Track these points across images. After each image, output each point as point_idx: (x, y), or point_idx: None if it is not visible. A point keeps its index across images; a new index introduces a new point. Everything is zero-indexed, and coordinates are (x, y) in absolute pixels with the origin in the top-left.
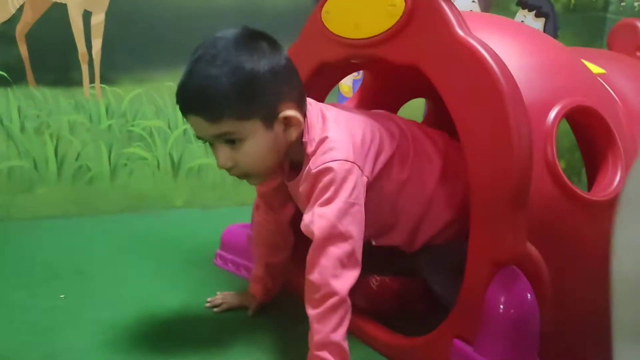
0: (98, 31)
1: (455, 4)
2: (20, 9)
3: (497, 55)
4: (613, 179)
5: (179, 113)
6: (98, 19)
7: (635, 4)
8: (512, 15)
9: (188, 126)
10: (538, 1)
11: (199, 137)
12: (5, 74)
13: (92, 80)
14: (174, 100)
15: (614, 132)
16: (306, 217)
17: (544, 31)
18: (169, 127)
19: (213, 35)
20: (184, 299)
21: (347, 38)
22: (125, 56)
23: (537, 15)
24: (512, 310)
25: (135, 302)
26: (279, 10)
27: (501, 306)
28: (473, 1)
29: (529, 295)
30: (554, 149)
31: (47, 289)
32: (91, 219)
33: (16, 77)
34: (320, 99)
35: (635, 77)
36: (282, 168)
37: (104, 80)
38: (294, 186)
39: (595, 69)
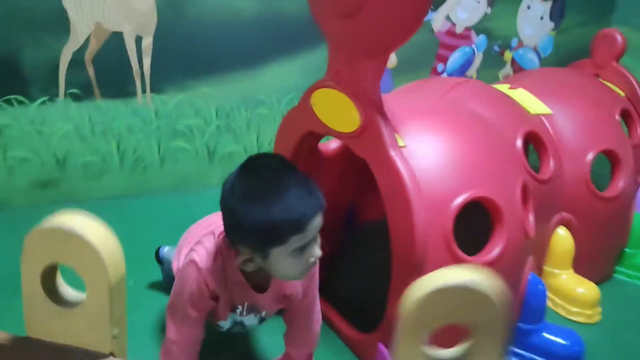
0: (147, 51)
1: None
2: (87, 39)
3: (410, 167)
4: (494, 248)
5: (213, 112)
6: (147, 42)
7: None
8: (519, 2)
9: (220, 122)
10: None
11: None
12: (78, 91)
13: (144, 91)
14: (209, 102)
15: (503, 213)
16: None
17: (550, 14)
18: (205, 124)
19: None
20: None
21: (327, 125)
22: (168, 69)
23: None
24: None
25: None
26: (299, 20)
27: None
28: (478, 1)
29: None
30: (451, 228)
31: None
32: (146, 197)
33: (86, 93)
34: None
35: (581, 114)
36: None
37: (153, 90)
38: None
39: (543, 110)
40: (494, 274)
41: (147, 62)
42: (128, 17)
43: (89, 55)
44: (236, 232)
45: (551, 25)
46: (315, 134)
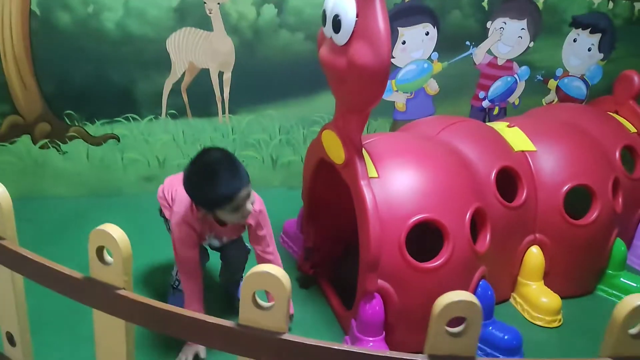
0: (227, 83)
1: (507, 30)
2: (183, 74)
3: (372, 194)
4: (439, 258)
5: (277, 129)
6: (227, 76)
7: None
8: (565, 36)
9: (282, 137)
10: (594, 19)
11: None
12: (175, 112)
13: (223, 112)
14: (273, 121)
15: (449, 232)
16: None
17: (599, 46)
18: (270, 138)
19: None
20: None
21: (329, 156)
22: (243, 96)
23: (592, 32)
24: (369, 311)
25: None
26: None
27: (366, 307)
28: (522, 28)
29: (377, 305)
30: (404, 240)
31: None
32: None
33: (181, 113)
34: (327, 168)
35: (564, 151)
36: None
37: (231, 111)
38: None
39: (527, 147)
40: (438, 277)
41: (226, 90)
42: (213, 58)
43: (184, 85)
44: (193, 197)
45: (600, 56)
46: (325, 160)
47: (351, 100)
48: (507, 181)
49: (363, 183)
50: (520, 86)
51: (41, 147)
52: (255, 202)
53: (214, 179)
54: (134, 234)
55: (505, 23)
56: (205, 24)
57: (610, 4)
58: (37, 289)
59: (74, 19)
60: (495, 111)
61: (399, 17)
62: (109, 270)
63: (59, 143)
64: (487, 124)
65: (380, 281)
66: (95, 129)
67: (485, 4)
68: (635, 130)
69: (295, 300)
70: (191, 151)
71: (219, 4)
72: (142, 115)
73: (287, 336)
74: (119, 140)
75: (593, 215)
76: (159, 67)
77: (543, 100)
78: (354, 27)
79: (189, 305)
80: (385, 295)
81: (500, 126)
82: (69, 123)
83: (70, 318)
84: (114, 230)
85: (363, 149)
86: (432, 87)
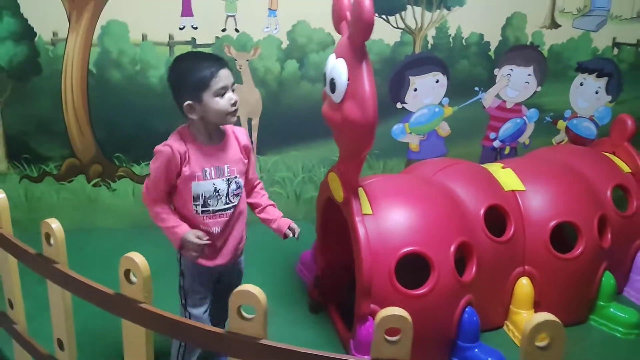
0: (255, 128)
1: (514, 76)
2: None
3: (365, 229)
4: (425, 287)
5: (300, 168)
6: (255, 122)
7: None
8: (571, 80)
9: (304, 175)
10: (599, 64)
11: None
12: None
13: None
14: (297, 161)
15: (434, 263)
16: None
17: (606, 89)
18: (294, 176)
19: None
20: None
21: (334, 194)
22: (269, 139)
23: (599, 76)
24: (363, 332)
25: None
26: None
27: (361, 329)
28: (529, 74)
29: (370, 327)
30: (393, 269)
31: None
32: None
33: None
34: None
35: (552, 191)
36: None
37: (259, 152)
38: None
39: (517, 186)
40: (425, 303)
41: (255, 135)
42: (243, 106)
43: None
44: (180, 91)
45: (608, 98)
46: (331, 198)
47: (347, 148)
48: (499, 218)
49: (357, 219)
50: (530, 127)
51: (94, 185)
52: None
53: (196, 58)
54: (168, 259)
55: (512, 70)
56: (235, 77)
57: (615, 50)
58: (83, 304)
59: (124, 76)
60: (507, 151)
61: (410, 67)
62: (133, 287)
63: (109, 182)
64: (483, 165)
65: (373, 306)
66: (141, 169)
67: (491, 53)
68: (630, 170)
69: (305, 323)
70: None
71: (247, 60)
72: None
73: (265, 341)
74: None
75: (578, 250)
76: None
77: (553, 140)
78: (346, 89)
79: (170, 226)
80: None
81: (494, 167)
82: (118, 164)
83: (106, 328)
84: (137, 257)
85: (361, 188)
86: (444, 129)
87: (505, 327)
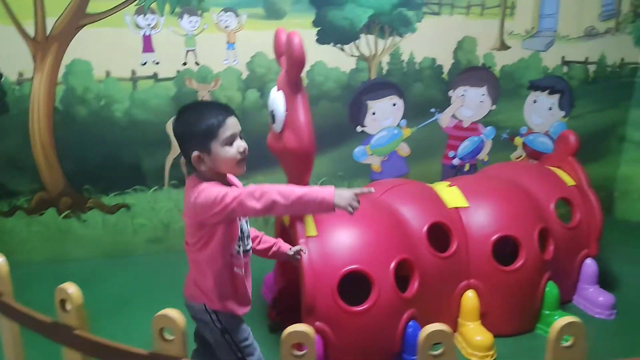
0: None
1: (468, 96)
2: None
3: (308, 251)
4: (368, 302)
5: None
6: None
7: None
8: (524, 98)
9: None
10: (550, 81)
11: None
12: (176, 182)
13: None
14: None
15: (375, 280)
16: None
17: (559, 105)
18: None
19: None
20: None
21: (283, 220)
22: None
23: (551, 93)
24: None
25: None
26: (326, 128)
27: None
28: (483, 94)
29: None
30: (336, 287)
31: None
32: None
33: (181, 182)
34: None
35: (494, 207)
36: None
37: None
38: None
39: (460, 203)
40: (367, 319)
41: None
42: None
43: (182, 160)
44: (187, 142)
45: (561, 113)
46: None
47: (291, 174)
48: (445, 234)
49: (301, 241)
50: (488, 144)
51: (64, 217)
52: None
53: (202, 107)
54: (142, 288)
55: (466, 90)
56: None
57: (565, 68)
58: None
59: (89, 111)
60: (466, 167)
61: (367, 92)
62: (67, 315)
63: (79, 213)
64: (430, 185)
65: (319, 323)
66: (109, 200)
67: (444, 75)
68: (574, 183)
69: (263, 344)
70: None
71: (209, 91)
72: (149, 186)
73: None
74: (129, 209)
75: (520, 262)
76: (161, 145)
77: (511, 156)
78: (284, 120)
79: (296, 192)
80: (324, 334)
81: (441, 186)
82: (87, 196)
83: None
84: (71, 287)
85: None
86: (404, 149)
87: (454, 339)
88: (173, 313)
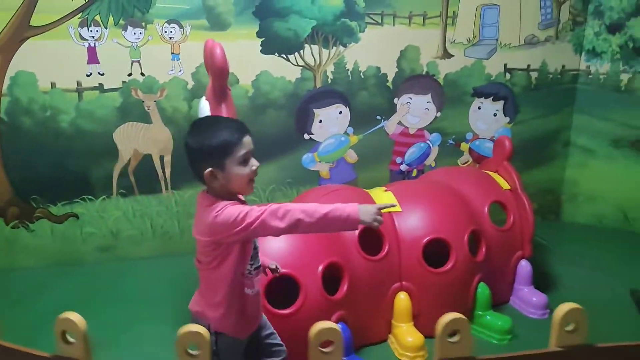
0: (168, 164)
1: (414, 104)
2: (129, 159)
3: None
4: (294, 306)
5: None
6: (167, 158)
7: (601, 76)
8: (469, 104)
9: None
10: (493, 88)
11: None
12: (124, 191)
13: (167, 188)
14: None
15: (302, 284)
16: None
17: (504, 111)
18: None
19: None
20: None
21: None
22: (182, 174)
23: (495, 100)
24: None
25: None
26: (274, 136)
27: None
28: (428, 102)
29: None
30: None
31: None
32: (171, 258)
33: (129, 192)
34: None
35: (426, 211)
36: None
37: (173, 187)
38: None
39: (393, 208)
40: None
41: (167, 171)
42: (154, 145)
43: (130, 169)
44: (200, 158)
45: (506, 119)
46: None
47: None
48: (378, 238)
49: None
50: (434, 150)
51: (12, 227)
52: None
53: (220, 122)
54: (92, 295)
55: (411, 98)
56: (145, 118)
57: (508, 75)
58: None
59: (35, 121)
60: (414, 173)
61: (313, 101)
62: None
63: (28, 223)
64: (366, 190)
65: None
66: (58, 209)
67: (389, 84)
68: (509, 187)
69: None
70: (140, 224)
71: (155, 101)
72: (97, 195)
73: None
74: (77, 218)
75: (450, 264)
76: (109, 155)
77: (458, 161)
78: None
79: (320, 210)
80: None
81: (377, 192)
82: (35, 206)
83: None
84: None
85: None
86: (352, 156)
87: (389, 340)
88: (74, 316)
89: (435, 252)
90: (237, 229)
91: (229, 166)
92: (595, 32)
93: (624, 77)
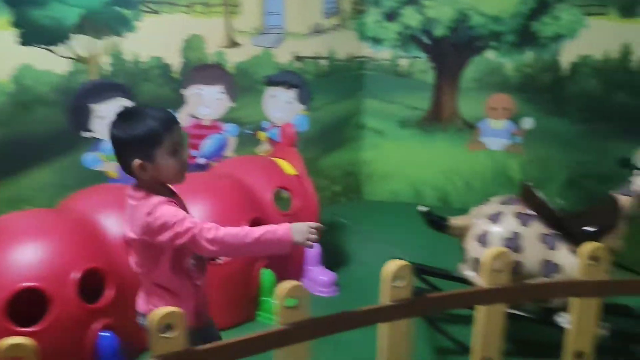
0: None
1: (205, 94)
2: None
3: None
4: (43, 323)
5: None
6: None
7: (384, 62)
8: (262, 93)
9: None
10: (284, 77)
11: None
12: None
13: None
14: None
15: (53, 298)
16: None
17: (298, 99)
18: None
19: None
20: None
21: None
22: None
23: (288, 88)
24: None
25: None
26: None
27: None
28: (220, 92)
29: None
30: (5, 308)
31: None
32: None
33: None
34: None
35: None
36: None
37: None
38: None
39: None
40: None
41: None
42: None
43: None
44: (128, 150)
45: (301, 106)
46: None
47: None
48: None
49: None
50: (232, 141)
51: None
52: None
53: (146, 112)
54: None
55: (201, 89)
56: None
57: (298, 63)
58: None
59: None
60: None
61: (90, 95)
62: None
63: None
64: None
65: None
66: None
67: (175, 74)
68: (296, 173)
69: None
70: None
71: None
72: None
73: None
74: None
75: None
76: None
77: (257, 150)
78: None
79: (252, 234)
80: None
81: None
82: None
83: None
84: None
85: None
86: None
87: None
88: None
89: None
90: (167, 233)
91: (159, 157)
92: (375, 20)
93: (404, 62)
